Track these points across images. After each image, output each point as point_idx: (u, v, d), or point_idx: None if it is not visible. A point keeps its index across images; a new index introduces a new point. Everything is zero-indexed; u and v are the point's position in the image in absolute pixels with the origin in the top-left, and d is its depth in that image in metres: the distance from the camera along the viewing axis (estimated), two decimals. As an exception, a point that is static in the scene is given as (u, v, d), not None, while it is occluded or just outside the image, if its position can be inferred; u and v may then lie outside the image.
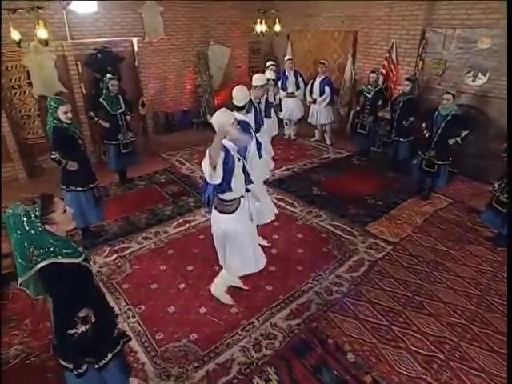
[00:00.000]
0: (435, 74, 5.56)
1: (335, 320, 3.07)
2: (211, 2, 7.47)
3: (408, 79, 5.15)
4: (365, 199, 5.04)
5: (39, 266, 1.72)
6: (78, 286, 1.81)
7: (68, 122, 3.37)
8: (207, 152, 2.48)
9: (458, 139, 4.47)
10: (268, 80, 5.36)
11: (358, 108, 6.24)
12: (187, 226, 4.43)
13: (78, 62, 5.37)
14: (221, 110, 2.72)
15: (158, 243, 4.10)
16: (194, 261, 3.80)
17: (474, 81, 5.19)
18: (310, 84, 6.71)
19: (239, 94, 3.51)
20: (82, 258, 1.88)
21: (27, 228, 1.68)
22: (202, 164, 2.57)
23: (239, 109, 3.56)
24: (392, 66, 6.09)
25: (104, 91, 4.71)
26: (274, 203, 4.27)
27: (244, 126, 3.27)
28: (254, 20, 8.17)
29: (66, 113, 3.31)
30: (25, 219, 1.68)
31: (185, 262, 3.78)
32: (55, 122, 3.32)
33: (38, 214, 1.69)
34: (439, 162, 4.66)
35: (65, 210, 1.81)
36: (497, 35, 4.85)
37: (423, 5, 5.48)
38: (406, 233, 4.28)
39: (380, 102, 5.95)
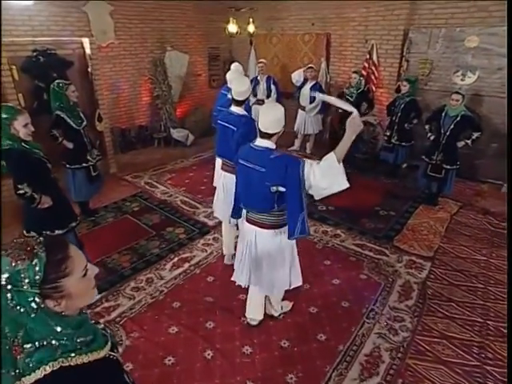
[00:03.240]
0: (422, 75, 5.39)
1: (419, 369, 2.45)
2: (165, 2, 6.62)
3: (407, 80, 4.86)
4: (376, 210, 4.58)
5: (32, 378, 0.87)
6: None
7: (28, 139, 2.33)
8: (333, 157, 1.95)
9: (467, 141, 4.23)
10: None
11: (341, 111, 5.84)
12: (187, 266, 3.50)
13: (13, 67, 4.14)
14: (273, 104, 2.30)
15: (155, 295, 3.12)
16: (213, 313, 2.92)
17: (463, 80, 5.08)
18: (298, 90, 6.13)
19: (242, 86, 2.98)
20: (107, 346, 1.05)
21: (12, 304, 0.86)
22: (320, 171, 1.97)
23: (239, 103, 3.02)
24: (373, 68, 5.83)
25: (57, 102, 3.59)
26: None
27: (249, 123, 2.88)
28: (213, 23, 7.54)
29: (26, 125, 2.27)
30: (9, 287, 0.85)
31: (201, 318, 2.87)
32: (9, 142, 2.25)
33: (37, 278, 0.87)
34: (447, 167, 4.38)
35: (85, 273, 0.98)
36: (485, 33, 4.80)
37: (404, 4, 5.30)
38: (435, 244, 3.86)
39: (365, 105, 5.62)
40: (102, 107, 5.05)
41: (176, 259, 3.59)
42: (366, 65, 5.86)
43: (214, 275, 3.35)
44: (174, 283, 3.26)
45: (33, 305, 0.88)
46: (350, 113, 1.93)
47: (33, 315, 0.88)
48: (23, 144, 2.32)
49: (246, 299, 3.03)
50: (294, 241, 2.38)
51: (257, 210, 2.28)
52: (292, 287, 2.54)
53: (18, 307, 0.87)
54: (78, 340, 0.96)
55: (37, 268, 0.87)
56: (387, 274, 3.40)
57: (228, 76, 3.90)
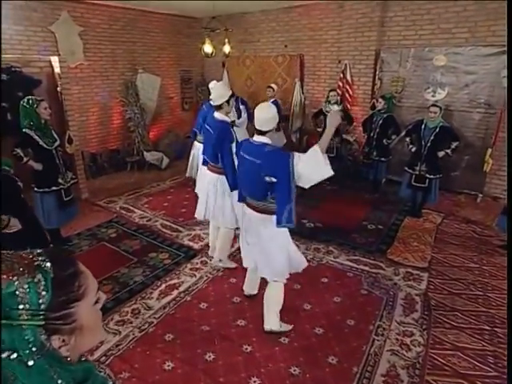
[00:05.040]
0: (395, 92, 5.59)
1: (440, 386, 2.30)
2: (136, 23, 6.52)
3: (382, 97, 5.00)
4: (364, 225, 4.54)
5: None
6: None
7: None
8: (316, 147, 2.18)
9: (447, 151, 4.36)
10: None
11: (320, 129, 5.90)
12: (176, 293, 3.20)
13: (-27, 85, 3.80)
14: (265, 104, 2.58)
15: (143, 327, 2.79)
16: (211, 343, 2.63)
17: (433, 96, 5.31)
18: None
19: (217, 90, 3.24)
20: None
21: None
22: (306, 161, 2.20)
23: (217, 108, 3.23)
24: (347, 87, 5.99)
25: (27, 120, 3.28)
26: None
27: (224, 128, 3.10)
28: (185, 46, 7.54)
29: None
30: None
31: (198, 349, 2.58)
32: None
33: (42, 302, 0.60)
34: (431, 176, 4.47)
35: (97, 299, 0.73)
36: (451, 53, 5.08)
37: (373, 27, 5.54)
38: (428, 255, 3.84)
39: (344, 123, 5.70)
40: (72, 129, 4.73)
41: (163, 286, 3.28)
42: (341, 84, 6.00)
43: (206, 301, 3.08)
44: (163, 313, 2.94)
45: (32, 346, 0.59)
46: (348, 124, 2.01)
47: (31, 363, 0.59)
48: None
49: (244, 325, 2.83)
50: (287, 229, 2.50)
51: (254, 197, 2.49)
52: (300, 270, 2.69)
53: (7, 353, 0.58)
54: None
55: (41, 287, 0.59)
56: (387, 287, 3.30)
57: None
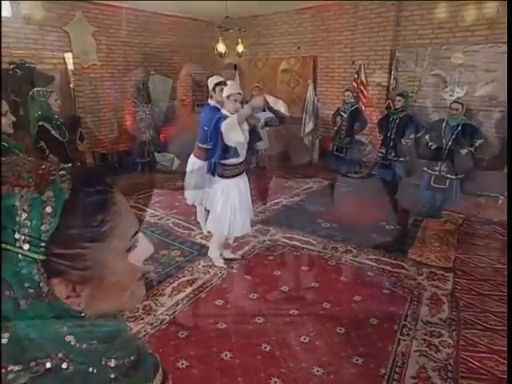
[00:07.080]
0: (411, 92, 5.46)
1: (477, 391, 2.12)
2: (149, 26, 6.55)
3: (400, 94, 4.88)
4: (382, 225, 4.37)
5: None
6: None
7: (9, 132, 1.97)
8: (234, 116, 2.69)
9: (471, 149, 4.19)
10: None
11: (336, 128, 5.82)
12: (189, 290, 3.07)
13: (-13, 79, 3.78)
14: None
15: (156, 324, 2.65)
16: (228, 341, 2.48)
17: (451, 95, 5.19)
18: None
19: (212, 77, 3.65)
20: (158, 377, 0.60)
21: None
22: (226, 124, 2.69)
23: (210, 97, 3.60)
24: (362, 87, 5.89)
25: (39, 111, 3.23)
26: (286, 244, 3.68)
27: (211, 110, 3.37)
28: (197, 49, 7.54)
29: (5, 113, 1.92)
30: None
31: (214, 347, 2.43)
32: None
33: (45, 229, 0.43)
34: (452, 177, 4.30)
35: (133, 244, 0.53)
36: (469, 51, 4.97)
37: (388, 26, 5.47)
38: (451, 255, 3.66)
39: (357, 123, 5.60)
40: (83, 126, 4.69)
41: (176, 283, 3.15)
42: (355, 85, 5.91)
43: (222, 298, 2.94)
44: (176, 310, 2.81)
45: (28, 286, 0.43)
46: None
47: (23, 303, 0.44)
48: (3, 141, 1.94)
49: (263, 322, 2.68)
50: (226, 189, 3.04)
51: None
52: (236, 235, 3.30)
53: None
54: (112, 361, 0.51)
55: (48, 208, 0.43)
56: (411, 287, 3.13)
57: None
